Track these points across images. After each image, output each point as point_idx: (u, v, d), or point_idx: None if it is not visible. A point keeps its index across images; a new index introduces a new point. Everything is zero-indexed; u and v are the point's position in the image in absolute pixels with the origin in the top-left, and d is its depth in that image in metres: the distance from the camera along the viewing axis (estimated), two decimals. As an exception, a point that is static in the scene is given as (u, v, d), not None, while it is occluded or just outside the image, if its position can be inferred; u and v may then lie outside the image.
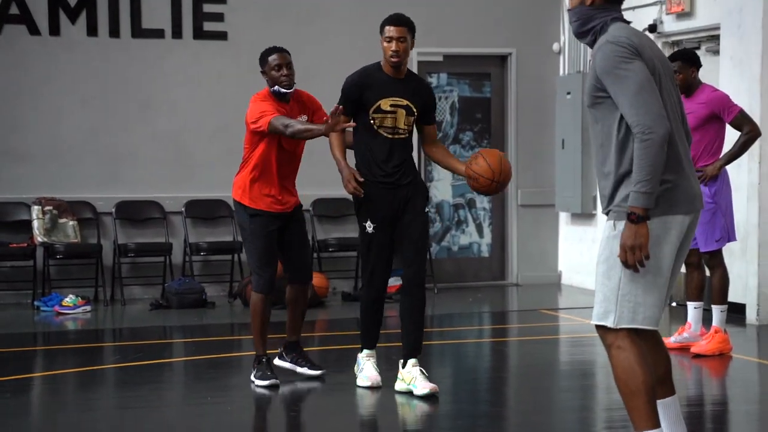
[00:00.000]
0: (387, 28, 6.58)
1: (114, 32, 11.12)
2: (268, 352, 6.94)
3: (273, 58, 6.73)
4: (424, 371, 6.62)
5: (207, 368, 7.74)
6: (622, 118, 4.26)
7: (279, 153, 6.79)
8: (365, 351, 6.92)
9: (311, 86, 11.43)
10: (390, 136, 6.59)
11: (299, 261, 7.06)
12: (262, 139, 6.73)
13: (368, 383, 6.77)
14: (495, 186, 6.43)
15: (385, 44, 6.55)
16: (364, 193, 6.56)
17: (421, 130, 6.79)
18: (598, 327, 4.36)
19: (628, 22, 4.47)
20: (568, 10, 4.54)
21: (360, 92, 6.53)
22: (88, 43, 11.09)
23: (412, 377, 6.59)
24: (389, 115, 6.56)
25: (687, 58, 8.00)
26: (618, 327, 4.28)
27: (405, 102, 6.58)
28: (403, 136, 6.63)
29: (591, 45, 4.48)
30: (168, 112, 11.31)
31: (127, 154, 11.20)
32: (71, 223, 10.80)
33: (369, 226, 6.65)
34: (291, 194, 6.96)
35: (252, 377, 6.91)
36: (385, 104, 6.55)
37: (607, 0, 4.45)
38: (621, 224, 4.24)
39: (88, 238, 11.03)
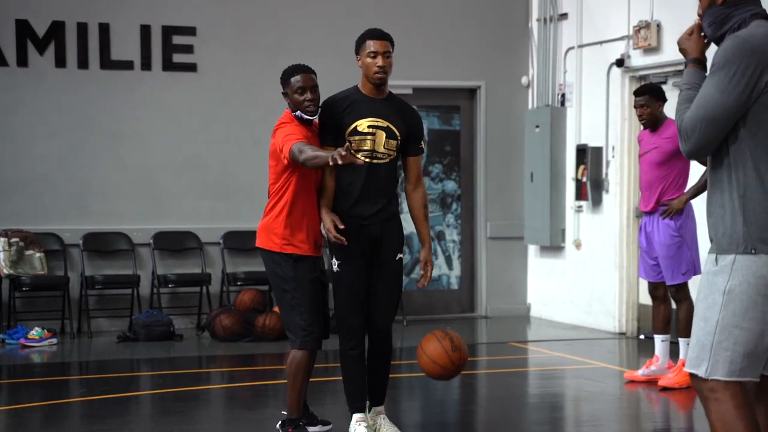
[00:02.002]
0: (369, 42, 5.95)
1: (83, 64, 11.09)
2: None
3: (296, 80, 5.99)
4: (386, 419, 6.20)
5: (174, 401, 7.68)
6: (732, 134, 3.84)
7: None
8: (355, 416, 6.12)
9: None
10: (368, 159, 5.90)
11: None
12: (294, 172, 5.92)
13: None
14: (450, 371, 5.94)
15: (368, 60, 5.93)
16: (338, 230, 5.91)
17: (404, 163, 6.14)
18: (691, 375, 3.93)
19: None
20: (699, 14, 4.01)
21: (336, 116, 5.93)
22: (56, 74, 11.05)
23: (377, 426, 6.16)
24: (368, 137, 5.91)
25: (654, 93, 8.11)
26: (710, 378, 3.85)
27: (385, 123, 5.94)
28: (383, 160, 5.93)
29: None
30: (137, 144, 11.27)
31: (95, 185, 11.16)
32: (38, 254, 10.72)
33: (334, 264, 6.05)
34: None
35: None
36: (363, 125, 5.92)
37: None
38: (724, 259, 3.83)
39: (55, 270, 10.95)
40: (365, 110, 5.94)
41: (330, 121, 5.96)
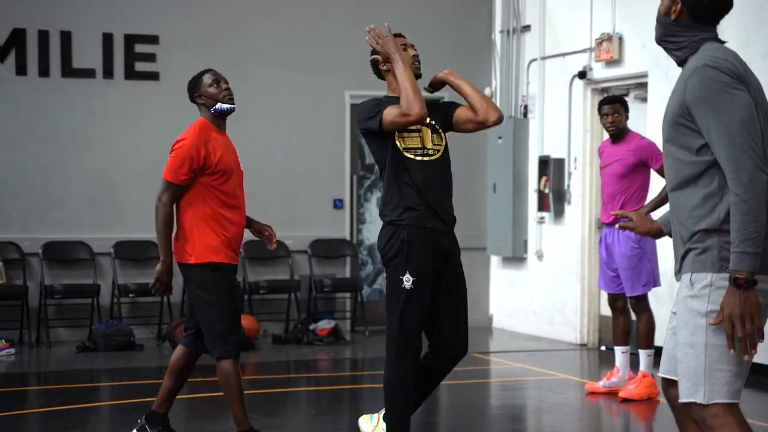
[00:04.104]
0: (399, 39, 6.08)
1: (44, 72, 11.01)
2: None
3: (207, 77, 6.12)
4: None
5: (134, 412, 7.61)
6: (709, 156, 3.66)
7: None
8: None
9: (243, 127, 11.49)
10: (420, 157, 5.56)
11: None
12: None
13: None
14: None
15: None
16: (403, 240, 5.44)
17: (459, 116, 5.83)
18: (690, 405, 3.68)
19: (723, 43, 3.82)
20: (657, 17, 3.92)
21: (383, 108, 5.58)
22: (17, 82, 10.96)
23: None
24: (414, 134, 5.62)
25: (623, 103, 8.17)
26: (710, 403, 3.62)
27: (427, 120, 5.69)
28: (434, 156, 5.59)
29: (679, 63, 3.88)
30: (98, 153, 11.19)
31: (55, 194, 11.07)
32: (-3, 263, 10.62)
33: (407, 281, 5.46)
34: None
35: None
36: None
37: (696, 19, 3.78)
38: (702, 278, 3.65)
39: (14, 279, 10.84)
40: None
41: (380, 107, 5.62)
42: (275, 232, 6.39)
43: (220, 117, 6.13)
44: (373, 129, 5.53)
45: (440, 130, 5.76)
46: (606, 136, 8.56)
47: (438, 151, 5.68)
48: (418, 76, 5.82)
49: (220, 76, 6.16)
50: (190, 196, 5.97)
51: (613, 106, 8.13)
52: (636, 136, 8.08)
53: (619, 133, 8.10)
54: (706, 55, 3.69)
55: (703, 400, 3.60)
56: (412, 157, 5.55)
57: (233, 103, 6.11)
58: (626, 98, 9.16)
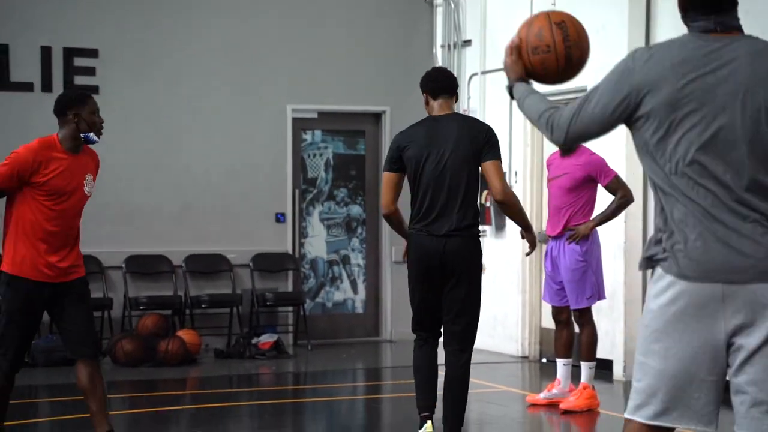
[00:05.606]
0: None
1: (-20, 84, 10.90)
2: None
3: (93, 102, 6.09)
4: None
5: (74, 429, 7.55)
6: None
7: None
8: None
9: (182, 144, 11.45)
10: None
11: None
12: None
13: None
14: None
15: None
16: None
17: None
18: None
19: (714, 30, 3.49)
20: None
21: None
22: (-46, 95, 10.84)
23: None
24: None
25: None
26: (625, 416, 3.55)
27: None
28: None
29: None
30: (37, 166, 11.07)
31: (-7, 208, 10.92)
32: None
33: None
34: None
35: None
36: None
37: (689, 7, 3.56)
38: (655, 276, 3.50)
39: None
40: None
41: None
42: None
43: (81, 142, 6.10)
44: None
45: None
46: (550, 149, 8.59)
47: None
48: None
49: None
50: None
51: None
52: (586, 151, 8.09)
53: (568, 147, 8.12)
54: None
55: (626, 412, 3.56)
56: None
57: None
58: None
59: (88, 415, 6.17)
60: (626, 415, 3.53)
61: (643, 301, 9.70)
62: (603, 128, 3.60)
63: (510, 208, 6.21)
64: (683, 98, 3.43)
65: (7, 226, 6.06)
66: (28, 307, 6.03)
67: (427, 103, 6.44)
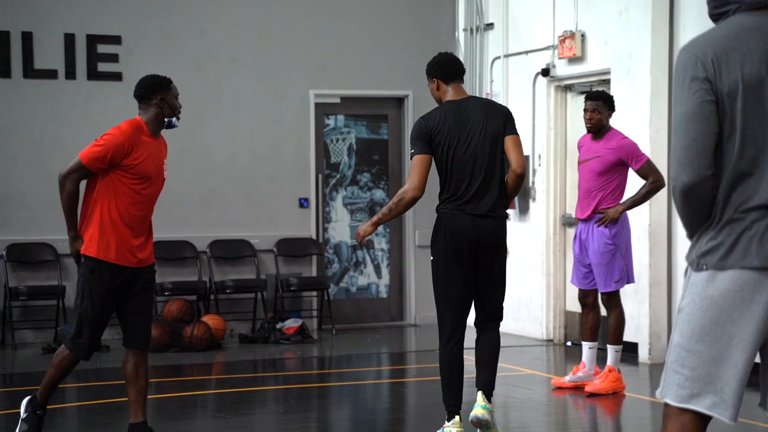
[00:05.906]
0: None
1: (5, 72, 10.94)
2: None
3: (174, 87, 6.18)
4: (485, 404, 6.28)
5: (101, 413, 7.60)
6: None
7: None
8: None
9: (205, 130, 11.48)
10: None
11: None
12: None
13: None
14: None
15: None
16: None
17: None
18: None
19: (765, 6, 3.47)
20: None
21: None
22: (-22, 83, 10.89)
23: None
24: None
25: (607, 100, 8.09)
26: (663, 400, 3.54)
27: None
28: None
29: (712, 18, 3.63)
30: (60, 154, 11.09)
31: (18, 195, 10.99)
32: (-40, 266, 10.55)
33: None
34: None
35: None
36: None
37: None
38: (695, 276, 3.50)
39: (-22, 282, 10.77)
40: None
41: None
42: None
43: (164, 127, 6.19)
44: None
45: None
46: (574, 132, 8.55)
47: None
48: None
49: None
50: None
51: (593, 103, 8.04)
52: (618, 135, 8.03)
53: (597, 130, 8.08)
54: (703, 33, 3.50)
55: (659, 395, 3.56)
56: None
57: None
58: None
59: (125, 399, 6.17)
60: (677, 403, 3.48)
61: (669, 284, 9.71)
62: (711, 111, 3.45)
63: (521, 180, 6.42)
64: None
65: (88, 210, 6.12)
66: (112, 293, 6.07)
67: (438, 88, 6.47)
